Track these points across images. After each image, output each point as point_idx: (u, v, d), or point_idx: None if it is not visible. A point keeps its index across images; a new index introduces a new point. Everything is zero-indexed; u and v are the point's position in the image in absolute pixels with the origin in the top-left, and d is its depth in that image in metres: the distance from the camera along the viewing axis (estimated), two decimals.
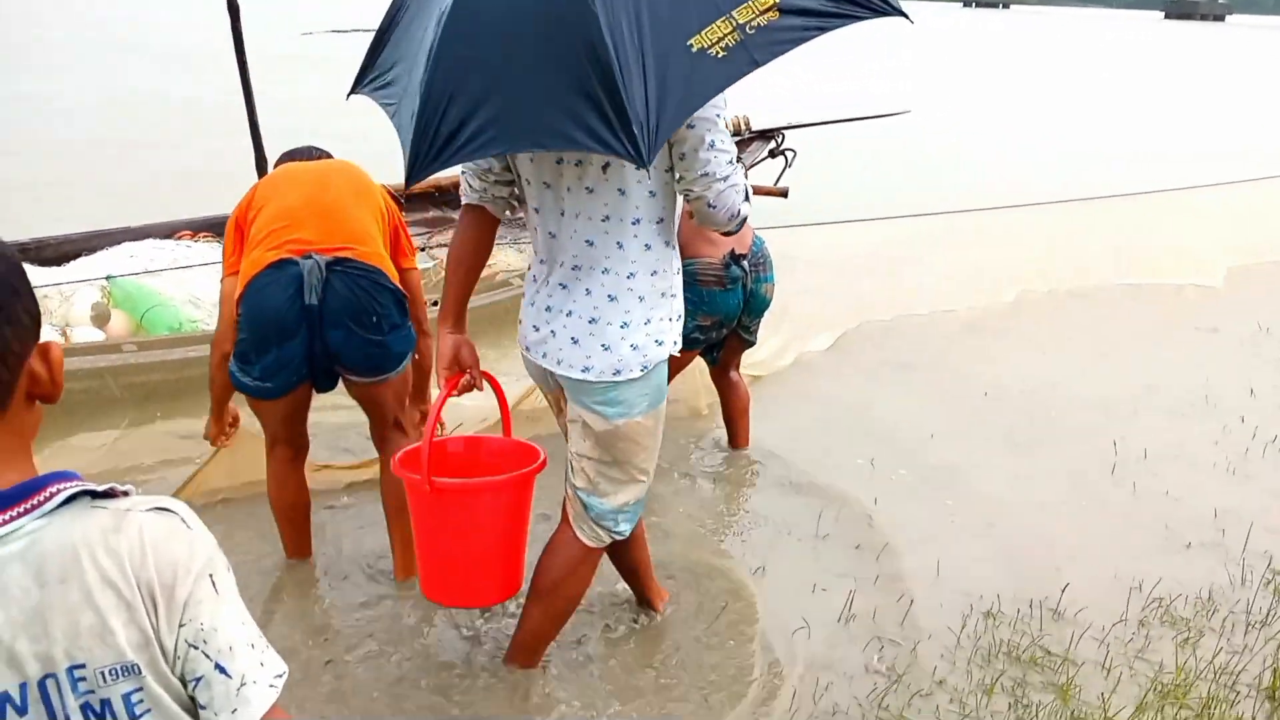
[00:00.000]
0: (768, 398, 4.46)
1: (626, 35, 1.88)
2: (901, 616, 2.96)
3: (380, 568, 3.11)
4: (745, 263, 3.62)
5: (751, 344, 3.95)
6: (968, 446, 4.15)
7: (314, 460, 3.23)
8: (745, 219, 2.27)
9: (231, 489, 3.37)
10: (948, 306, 5.85)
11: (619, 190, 2.18)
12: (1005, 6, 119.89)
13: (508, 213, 2.42)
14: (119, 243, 4.87)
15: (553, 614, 2.53)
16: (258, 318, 2.69)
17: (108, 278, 4.44)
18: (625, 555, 2.74)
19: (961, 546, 3.39)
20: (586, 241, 2.23)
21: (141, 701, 0.94)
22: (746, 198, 2.24)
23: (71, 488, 0.92)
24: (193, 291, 4.40)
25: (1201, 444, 4.25)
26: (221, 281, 2.87)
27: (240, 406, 3.07)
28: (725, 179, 2.17)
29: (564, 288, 2.28)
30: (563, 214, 2.24)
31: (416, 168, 2.01)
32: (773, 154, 6.32)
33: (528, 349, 2.38)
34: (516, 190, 2.36)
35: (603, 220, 2.21)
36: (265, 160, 4.37)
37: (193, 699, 0.98)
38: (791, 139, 6.41)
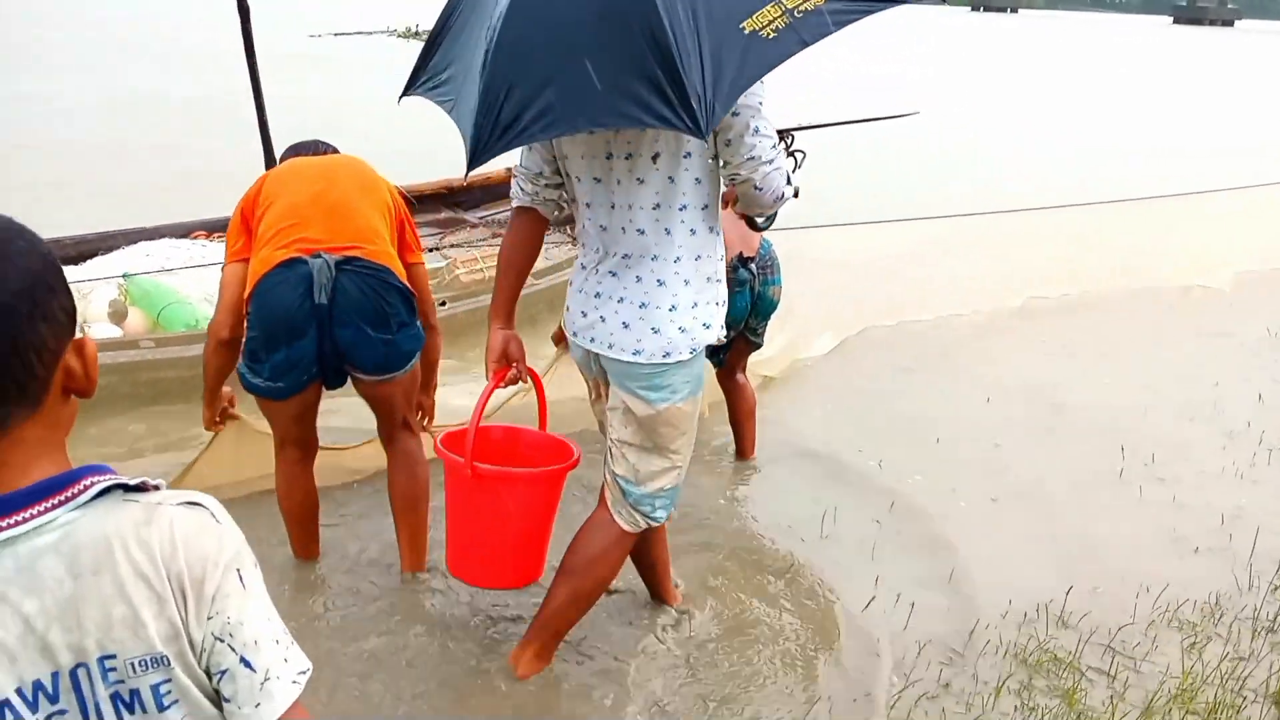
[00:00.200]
0: (772, 401, 4.47)
1: (683, 20, 2.01)
2: (908, 619, 2.97)
3: (385, 562, 3.12)
4: (753, 265, 3.63)
5: (759, 346, 3.96)
6: (973, 451, 4.15)
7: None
8: (786, 200, 2.37)
9: (234, 485, 3.38)
10: (954, 311, 5.86)
11: (668, 178, 2.28)
12: (1013, 11, 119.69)
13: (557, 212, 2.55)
14: (135, 242, 4.93)
15: (579, 595, 2.56)
16: (268, 317, 2.70)
17: (125, 275, 4.48)
18: (646, 551, 2.78)
19: (968, 550, 3.40)
20: (638, 231, 2.32)
21: (170, 693, 0.96)
22: (788, 180, 2.34)
23: (105, 481, 0.93)
24: (208, 289, 4.42)
25: (1209, 449, 4.25)
26: (223, 269, 2.89)
27: (237, 393, 3.07)
28: (770, 162, 2.27)
29: (614, 275, 2.37)
30: (613, 206, 2.34)
31: (479, 152, 2.11)
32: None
33: (574, 334, 2.47)
34: (565, 192, 2.46)
35: (653, 209, 2.30)
36: (274, 160, 4.39)
37: (217, 692, 0.99)
38: (801, 140, 6.42)
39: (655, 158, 2.27)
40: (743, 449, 4.02)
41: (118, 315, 4.36)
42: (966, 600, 3.10)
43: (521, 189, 2.47)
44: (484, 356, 2.54)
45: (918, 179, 9.95)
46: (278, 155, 3.46)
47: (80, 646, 0.92)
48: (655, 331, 2.32)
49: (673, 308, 2.32)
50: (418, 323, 2.87)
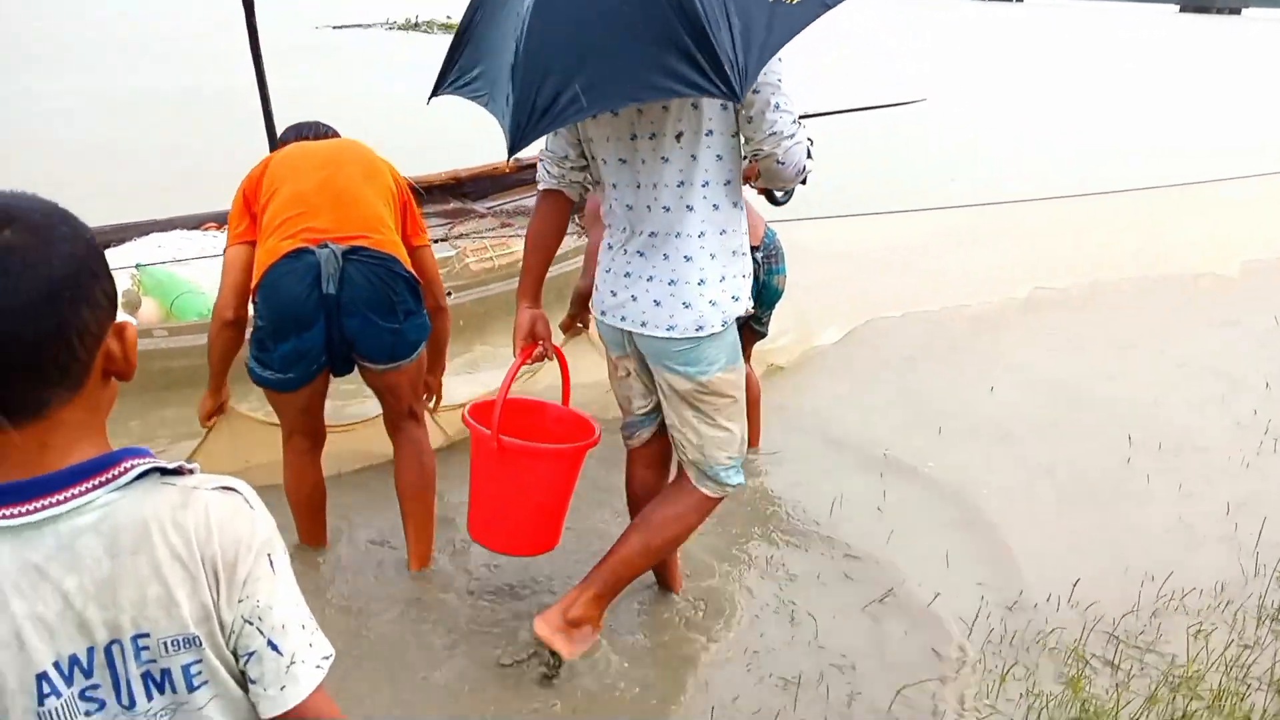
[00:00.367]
0: (779, 390, 4.48)
1: None
2: (914, 607, 2.99)
3: (392, 550, 3.15)
4: (757, 254, 3.63)
5: (763, 335, 3.96)
6: (979, 440, 4.17)
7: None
8: (808, 173, 2.42)
9: (239, 473, 3.39)
10: (960, 302, 5.85)
11: (691, 156, 2.34)
12: (1019, 0, 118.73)
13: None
14: (147, 234, 4.97)
15: (649, 548, 2.62)
16: (276, 308, 2.71)
17: (138, 266, 4.52)
18: None
19: (974, 538, 3.42)
20: (664, 208, 2.39)
21: (200, 674, 0.98)
22: (809, 154, 2.38)
23: (144, 464, 0.96)
24: (220, 280, 4.47)
25: (1217, 437, 4.26)
26: (225, 251, 2.91)
27: (238, 387, 3.08)
28: (791, 136, 2.31)
29: (642, 255, 2.44)
30: (639, 186, 2.41)
31: (520, 139, 2.18)
32: None
33: (604, 314, 2.53)
34: (590, 174, 2.52)
35: (677, 186, 2.36)
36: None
37: (243, 673, 1.01)
38: (809, 127, 6.40)
39: (679, 136, 2.33)
40: (749, 437, 4.03)
41: (131, 305, 4.41)
42: (973, 587, 3.12)
43: (548, 172, 2.54)
44: (511, 336, 2.62)
45: (923, 168, 9.93)
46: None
47: (116, 624, 0.94)
48: (686, 306, 2.38)
49: (701, 281, 2.38)
50: (424, 311, 2.89)
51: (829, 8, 2.18)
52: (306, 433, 2.96)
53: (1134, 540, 3.45)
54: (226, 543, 0.98)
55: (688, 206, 2.36)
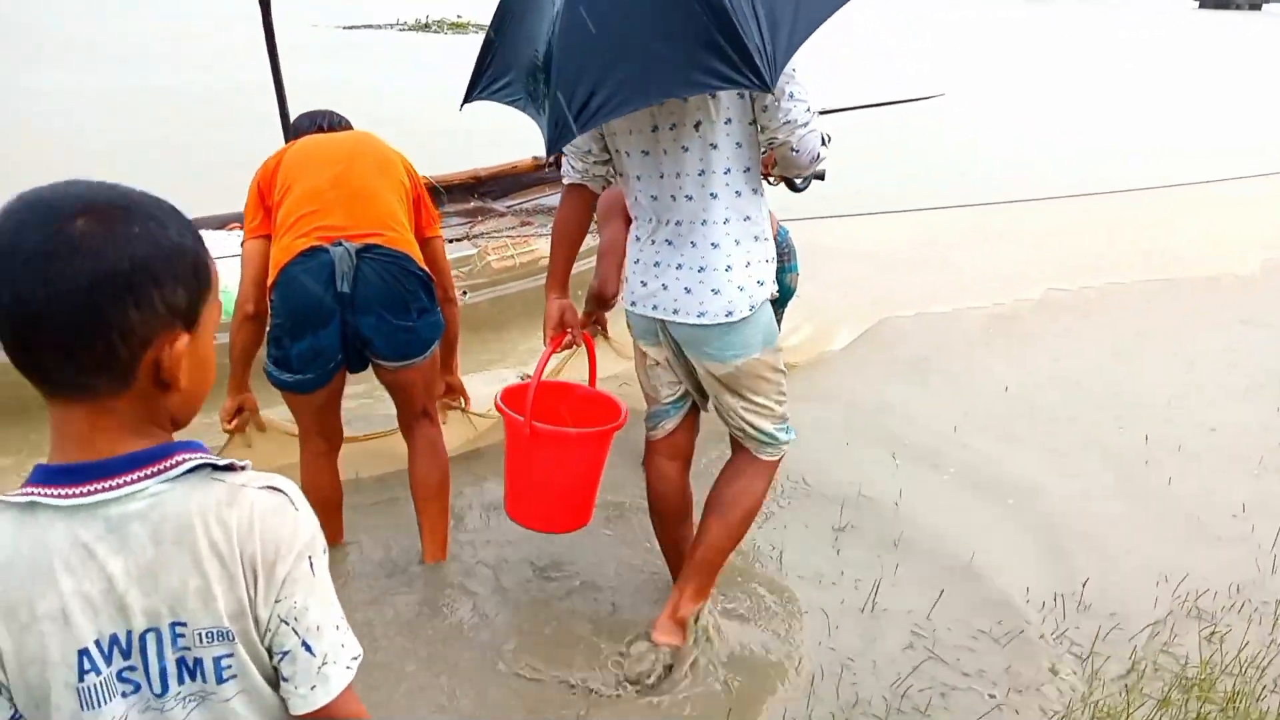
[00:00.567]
0: (791, 389, 4.47)
1: None
2: (926, 608, 2.99)
3: (408, 550, 3.16)
4: None
5: None
6: (993, 441, 4.16)
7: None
8: (823, 161, 2.47)
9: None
10: (973, 303, 5.84)
11: (711, 145, 2.39)
12: None
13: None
14: None
15: (730, 527, 2.67)
16: (292, 306, 2.73)
17: None
18: (670, 530, 2.85)
19: (988, 538, 3.41)
20: (687, 197, 2.44)
21: (230, 667, 1.01)
22: (824, 142, 2.43)
23: (196, 459, 0.99)
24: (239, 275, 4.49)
25: (1234, 437, 4.24)
26: (242, 245, 2.94)
27: (262, 392, 3.09)
28: (806, 124, 2.37)
29: (669, 244, 2.49)
30: (662, 176, 2.45)
31: (557, 139, 2.26)
32: None
33: (634, 304, 2.58)
34: (613, 167, 2.58)
35: (699, 175, 2.41)
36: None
37: (276, 670, 1.04)
38: (826, 124, 6.39)
39: (697, 125, 2.37)
40: None
41: None
42: (985, 588, 3.12)
43: (572, 167, 2.61)
44: (543, 325, 2.71)
45: (932, 169, 9.88)
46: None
47: (155, 610, 0.97)
48: (715, 293, 2.43)
49: (728, 268, 2.43)
50: (438, 310, 2.91)
51: None
52: (324, 434, 2.98)
53: (1150, 540, 3.44)
54: (267, 542, 1.00)
55: (711, 194, 2.41)
